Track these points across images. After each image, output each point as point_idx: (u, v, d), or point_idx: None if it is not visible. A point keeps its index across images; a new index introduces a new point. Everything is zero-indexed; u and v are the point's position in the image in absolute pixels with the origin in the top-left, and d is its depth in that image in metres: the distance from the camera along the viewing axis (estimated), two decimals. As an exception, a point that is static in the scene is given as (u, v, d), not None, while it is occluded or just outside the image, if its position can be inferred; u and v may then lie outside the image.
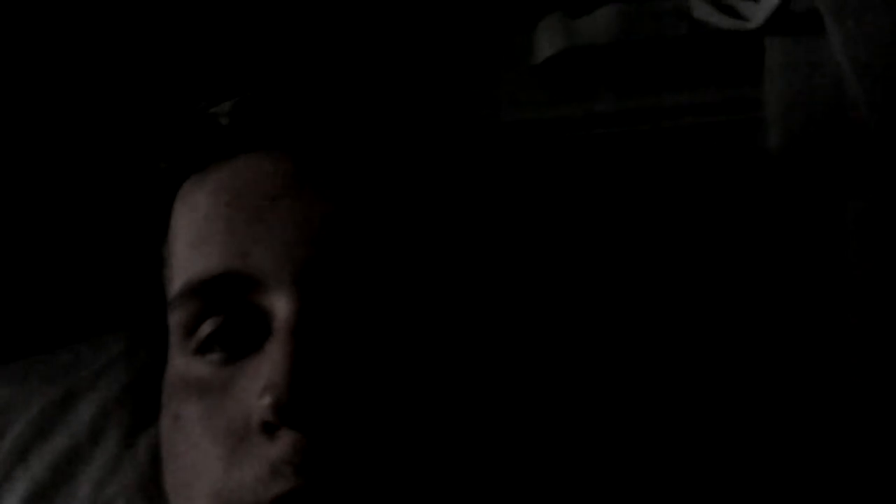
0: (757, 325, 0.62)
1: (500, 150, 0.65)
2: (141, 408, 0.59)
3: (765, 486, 0.56)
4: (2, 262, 0.68)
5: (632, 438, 0.57)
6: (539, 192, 0.64)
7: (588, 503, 0.54)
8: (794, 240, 0.63)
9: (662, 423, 0.58)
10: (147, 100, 0.67)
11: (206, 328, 0.47)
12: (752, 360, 0.61)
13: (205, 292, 0.46)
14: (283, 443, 0.43)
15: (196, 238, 0.48)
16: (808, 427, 0.58)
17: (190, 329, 0.47)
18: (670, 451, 0.57)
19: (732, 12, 0.64)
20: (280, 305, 0.45)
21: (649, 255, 0.64)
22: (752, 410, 0.59)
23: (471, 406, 0.48)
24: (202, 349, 0.47)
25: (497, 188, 0.60)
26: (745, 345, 0.62)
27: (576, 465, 0.55)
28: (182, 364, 0.48)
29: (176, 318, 0.48)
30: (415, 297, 0.47)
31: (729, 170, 0.66)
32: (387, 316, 0.46)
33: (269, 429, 0.43)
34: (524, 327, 0.56)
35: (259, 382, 0.44)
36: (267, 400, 0.42)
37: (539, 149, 0.67)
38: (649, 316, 0.62)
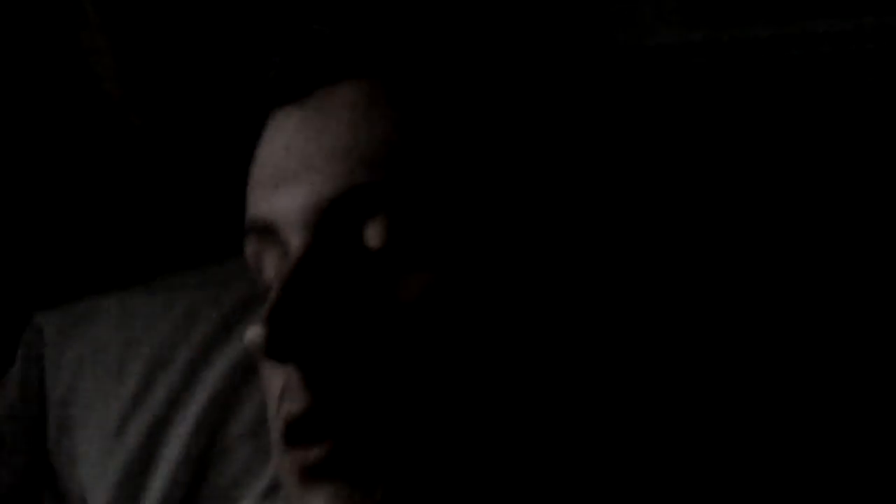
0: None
1: (637, 73, 0.65)
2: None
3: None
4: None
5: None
6: (673, 117, 0.64)
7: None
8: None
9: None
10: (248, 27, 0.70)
11: (266, 263, 0.49)
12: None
13: (258, 231, 0.48)
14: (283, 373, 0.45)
15: (253, 177, 0.49)
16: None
17: (256, 265, 0.49)
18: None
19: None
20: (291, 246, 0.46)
21: (777, 192, 0.62)
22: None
23: (476, 371, 0.46)
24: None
25: (620, 114, 0.58)
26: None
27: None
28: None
29: (246, 251, 0.50)
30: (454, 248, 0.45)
31: (874, 102, 0.65)
32: (400, 266, 0.45)
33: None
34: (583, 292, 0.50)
35: None
36: (250, 334, 0.43)
37: (681, 73, 0.67)
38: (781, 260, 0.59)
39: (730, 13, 0.68)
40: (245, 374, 0.62)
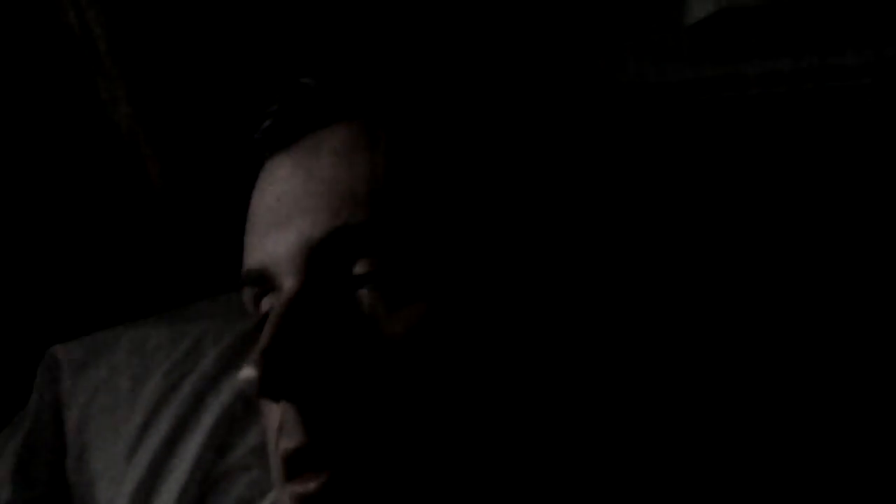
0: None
1: (643, 111, 0.66)
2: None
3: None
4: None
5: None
6: (682, 154, 0.65)
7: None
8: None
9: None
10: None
11: (264, 306, 0.50)
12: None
13: (253, 281, 0.50)
14: (281, 410, 0.46)
15: (248, 228, 0.51)
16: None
17: (253, 310, 0.51)
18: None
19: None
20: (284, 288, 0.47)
21: (797, 228, 0.62)
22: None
23: (468, 400, 0.46)
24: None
25: (618, 152, 0.60)
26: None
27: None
28: None
29: (244, 298, 0.51)
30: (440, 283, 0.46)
31: (882, 135, 0.64)
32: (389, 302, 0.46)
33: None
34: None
35: None
36: (244, 374, 0.45)
37: (688, 111, 0.67)
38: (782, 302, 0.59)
39: (738, 49, 0.68)
40: (248, 401, 0.64)
